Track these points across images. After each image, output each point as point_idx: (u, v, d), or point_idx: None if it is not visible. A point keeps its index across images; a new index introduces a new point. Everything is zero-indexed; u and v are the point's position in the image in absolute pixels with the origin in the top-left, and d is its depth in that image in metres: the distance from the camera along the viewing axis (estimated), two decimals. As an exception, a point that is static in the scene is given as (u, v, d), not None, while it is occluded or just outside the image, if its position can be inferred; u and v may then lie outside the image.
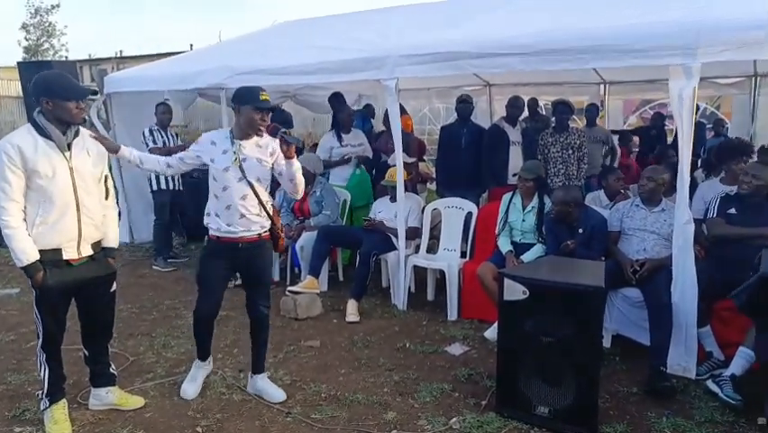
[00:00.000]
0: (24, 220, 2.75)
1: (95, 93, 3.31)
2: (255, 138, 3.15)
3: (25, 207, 2.76)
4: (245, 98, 3.07)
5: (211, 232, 3.18)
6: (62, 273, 2.85)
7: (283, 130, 3.12)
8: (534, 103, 7.37)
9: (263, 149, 3.17)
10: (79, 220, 2.86)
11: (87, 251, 2.94)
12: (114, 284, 3.15)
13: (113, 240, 3.11)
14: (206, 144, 3.18)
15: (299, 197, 3.50)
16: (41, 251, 2.77)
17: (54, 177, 2.77)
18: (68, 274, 2.87)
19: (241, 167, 3.10)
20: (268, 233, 3.26)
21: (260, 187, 3.18)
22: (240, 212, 3.12)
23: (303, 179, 3.23)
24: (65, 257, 2.86)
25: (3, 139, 2.77)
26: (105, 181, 3.06)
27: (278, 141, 3.10)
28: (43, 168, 2.73)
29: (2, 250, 7.08)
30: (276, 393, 3.38)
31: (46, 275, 2.78)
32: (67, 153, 2.83)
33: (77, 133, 2.89)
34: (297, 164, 3.13)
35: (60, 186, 2.79)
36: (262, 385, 3.42)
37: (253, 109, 3.05)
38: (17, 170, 2.70)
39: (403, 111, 8.41)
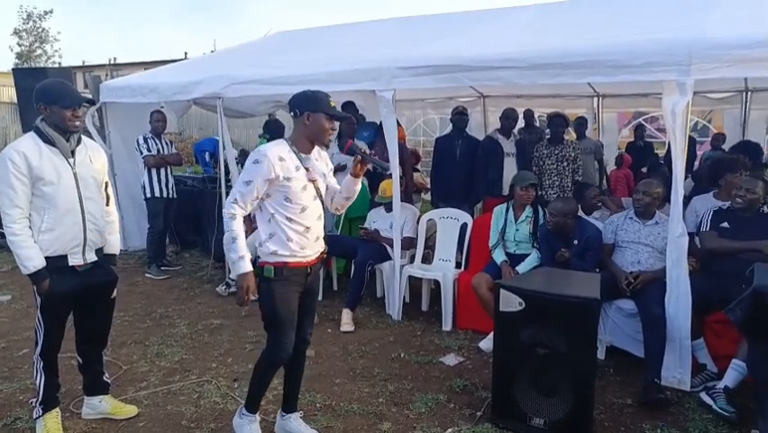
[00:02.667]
0: (29, 227, 2.75)
1: (92, 102, 3.28)
2: (315, 150, 2.82)
3: (30, 215, 2.76)
4: (316, 105, 2.69)
5: (277, 259, 2.72)
6: (68, 280, 2.85)
7: (363, 149, 2.84)
8: (530, 114, 7.43)
9: (321, 161, 2.88)
10: (84, 226, 2.88)
11: (92, 257, 2.95)
12: (115, 291, 3.15)
13: (114, 246, 3.13)
14: (275, 161, 2.64)
15: (342, 212, 3.25)
16: (46, 258, 2.77)
17: (59, 183, 2.78)
18: (73, 281, 2.88)
19: (316, 185, 2.80)
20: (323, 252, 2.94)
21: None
22: (316, 234, 2.81)
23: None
24: (70, 263, 2.86)
25: (8, 146, 2.79)
26: (106, 188, 3.08)
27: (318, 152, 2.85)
28: (49, 174, 2.75)
29: (-7, 256, 7.07)
30: None
31: (52, 282, 2.78)
32: (71, 160, 2.85)
33: (79, 140, 2.91)
34: (360, 182, 2.92)
35: (65, 192, 2.81)
36: (296, 427, 3.05)
37: (326, 118, 2.70)
38: (23, 177, 2.71)
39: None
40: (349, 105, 6.62)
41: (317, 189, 2.80)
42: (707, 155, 7.34)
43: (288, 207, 2.70)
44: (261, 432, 2.96)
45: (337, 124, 2.83)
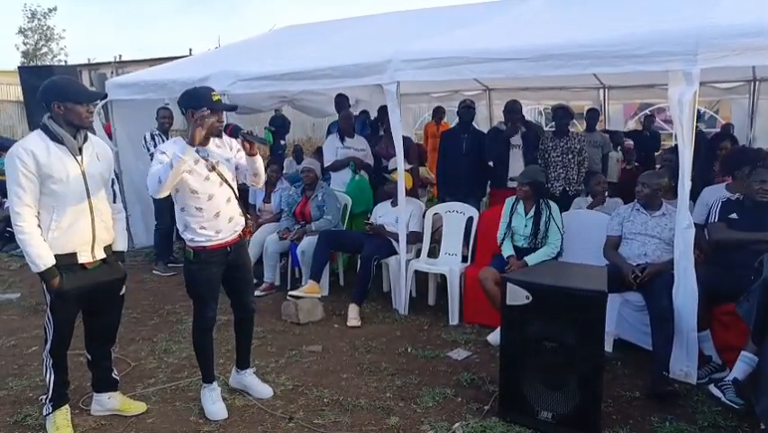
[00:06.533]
0: (39, 225, 2.75)
1: (104, 96, 3.34)
2: (213, 139, 3.09)
3: (39, 213, 2.76)
4: (197, 101, 2.96)
5: (196, 244, 3.07)
6: (77, 277, 2.86)
7: (244, 131, 3.09)
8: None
9: (224, 147, 3.15)
10: (93, 223, 2.88)
11: (101, 254, 2.95)
12: (124, 288, 3.16)
13: (121, 243, 3.14)
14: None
15: (260, 186, 3.53)
16: (56, 255, 2.77)
17: (68, 181, 2.78)
18: (83, 278, 2.88)
19: (218, 171, 3.07)
20: (243, 230, 3.25)
21: (234, 185, 3.19)
22: (228, 216, 3.11)
23: (263, 171, 3.28)
24: (80, 261, 2.87)
25: (15, 144, 2.78)
26: (113, 184, 3.09)
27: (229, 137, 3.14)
28: (57, 172, 2.75)
29: (2, 255, 7.13)
30: (264, 390, 3.47)
31: (62, 280, 2.79)
32: (78, 157, 2.85)
33: (85, 138, 2.91)
34: (259, 159, 3.17)
35: (74, 190, 2.81)
36: (250, 381, 3.49)
37: (210, 112, 2.93)
38: (31, 175, 2.70)
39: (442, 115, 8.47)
40: (341, 98, 6.60)
41: (221, 175, 3.06)
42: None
43: (195, 198, 2.99)
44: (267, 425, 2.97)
45: (224, 114, 3.10)
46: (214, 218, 3.05)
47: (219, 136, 3.11)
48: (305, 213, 5.53)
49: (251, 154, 3.11)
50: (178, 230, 6.93)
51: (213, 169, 3.04)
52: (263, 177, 3.30)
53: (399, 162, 4.75)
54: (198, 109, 2.90)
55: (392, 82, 4.52)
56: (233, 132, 3.11)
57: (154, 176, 2.83)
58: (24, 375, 3.76)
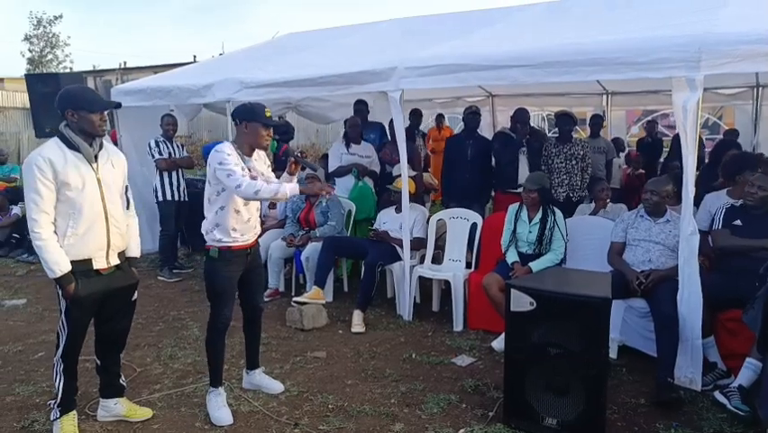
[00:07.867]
0: (55, 232, 2.79)
1: (118, 106, 3.41)
2: (256, 151, 3.28)
3: (55, 220, 2.80)
4: (253, 115, 3.15)
5: (223, 244, 3.19)
6: (92, 283, 2.90)
7: (298, 152, 3.37)
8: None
9: (260, 160, 3.35)
10: (108, 230, 2.92)
11: (115, 260, 3.00)
12: (136, 293, 3.19)
13: (135, 250, 3.19)
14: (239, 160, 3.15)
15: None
16: (72, 262, 2.81)
17: (84, 189, 2.82)
18: (97, 284, 2.92)
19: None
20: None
21: None
22: (254, 223, 3.31)
23: None
24: (95, 267, 2.91)
25: (33, 152, 2.82)
26: (126, 191, 3.13)
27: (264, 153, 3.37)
28: (74, 180, 2.79)
29: (8, 261, 7.16)
30: (275, 385, 3.61)
31: (77, 286, 2.82)
32: (94, 165, 2.89)
33: (101, 145, 2.95)
34: (295, 179, 3.35)
35: (90, 197, 2.85)
36: (260, 380, 3.63)
37: (262, 126, 3.15)
38: (48, 182, 2.74)
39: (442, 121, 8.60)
40: (360, 104, 6.63)
41: None
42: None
43: (236, 200, 3.14)
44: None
45: (271, 130, 3.25)
46: (246, 222, 3.23)
47: (265, 150, 3.36)
48: (309, 219, 5.55)
49: (291, 173, 3.31)
50: (182, 236, 6.97)
51: (253, 179, 3.18)
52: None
53: (403, 169, 4.77)
54: (251, 122, 3.12)
55: (397, 90, 4.55)
56: (286, 153, 3.36)
57: (252, 187, 3.01)
58: (31, 381, 3.78)
